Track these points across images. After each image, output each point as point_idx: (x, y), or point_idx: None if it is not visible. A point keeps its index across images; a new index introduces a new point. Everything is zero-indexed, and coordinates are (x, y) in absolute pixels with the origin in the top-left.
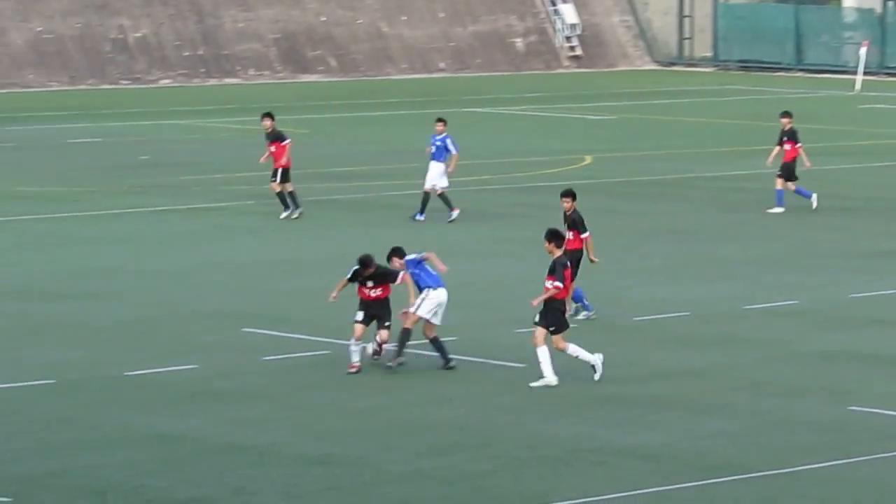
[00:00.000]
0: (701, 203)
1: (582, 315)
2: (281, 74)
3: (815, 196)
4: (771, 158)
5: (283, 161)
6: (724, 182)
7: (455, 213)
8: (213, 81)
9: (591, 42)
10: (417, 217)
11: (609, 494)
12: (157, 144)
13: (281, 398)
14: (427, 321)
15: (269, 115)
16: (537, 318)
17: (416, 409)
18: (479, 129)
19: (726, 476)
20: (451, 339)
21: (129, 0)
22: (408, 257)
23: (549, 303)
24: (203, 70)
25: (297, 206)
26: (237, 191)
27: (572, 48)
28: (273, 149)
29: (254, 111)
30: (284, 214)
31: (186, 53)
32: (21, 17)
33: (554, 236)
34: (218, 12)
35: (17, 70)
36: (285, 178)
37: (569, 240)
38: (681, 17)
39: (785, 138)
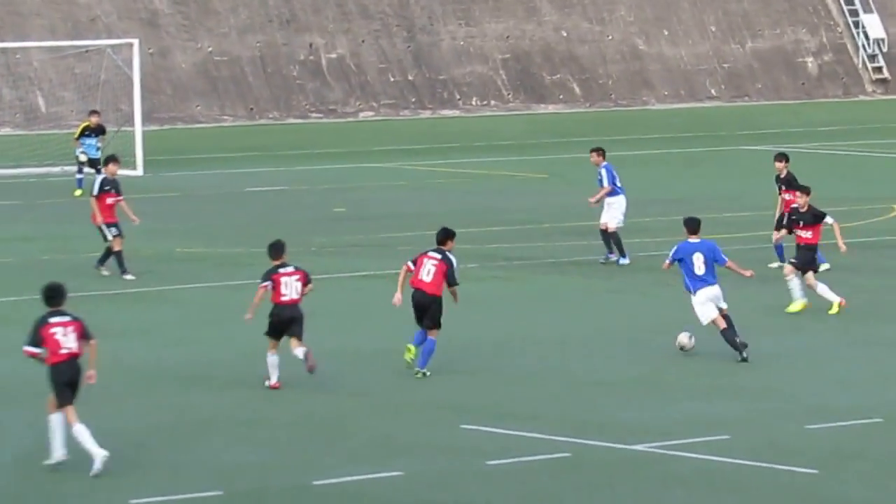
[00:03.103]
0: None
1: None
2: (511, 104)
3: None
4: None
5: (112, 216)
6: None
7: (612, 257)
8: (425, 114)
9: None
10: (611, 257)
11: None
12: (356, 193)
13: None
14: None
15: (114, 159)
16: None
17: None
18: (758, 170)
19: None
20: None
21: (321, 13)
22: None
23: None
24: (414, 100)
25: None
26: (457, 250)
27: (877, 69)
28: (112, 200)
29: (478, 151)
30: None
31: (393, 79)
32: (188, 35)
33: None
34: (433, 27)
35: (182, 101)
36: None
37: None
38: None
39: (782, 186)
